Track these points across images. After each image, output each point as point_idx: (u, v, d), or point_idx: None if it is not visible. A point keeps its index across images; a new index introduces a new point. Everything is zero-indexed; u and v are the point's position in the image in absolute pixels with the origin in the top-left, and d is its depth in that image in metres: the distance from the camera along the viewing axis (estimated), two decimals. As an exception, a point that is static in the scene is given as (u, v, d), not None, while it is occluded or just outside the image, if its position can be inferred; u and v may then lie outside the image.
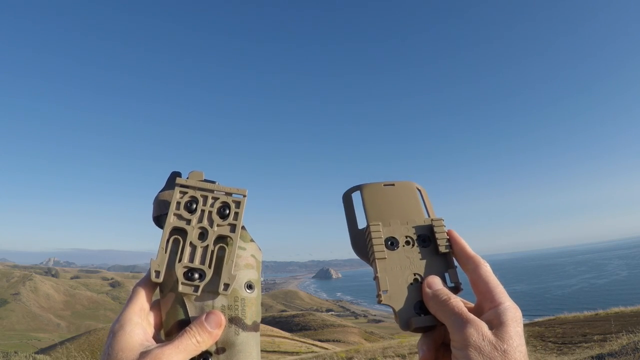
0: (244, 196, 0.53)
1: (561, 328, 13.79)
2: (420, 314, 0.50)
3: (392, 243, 0.53)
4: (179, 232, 0.52)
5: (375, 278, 0.51)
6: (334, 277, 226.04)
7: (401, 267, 0.51)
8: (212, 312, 0.49)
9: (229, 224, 0.52)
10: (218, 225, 0.52)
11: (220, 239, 0.52)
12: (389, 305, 0.50)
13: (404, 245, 0.53)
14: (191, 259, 0.50)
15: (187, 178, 0.54)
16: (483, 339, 0.43)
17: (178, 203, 0.53)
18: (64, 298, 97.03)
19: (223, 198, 0.53)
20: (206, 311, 0.49)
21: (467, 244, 0.53)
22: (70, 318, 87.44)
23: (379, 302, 0.50)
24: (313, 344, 30.67)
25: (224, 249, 0.51)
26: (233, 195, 0.53)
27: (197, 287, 0.49)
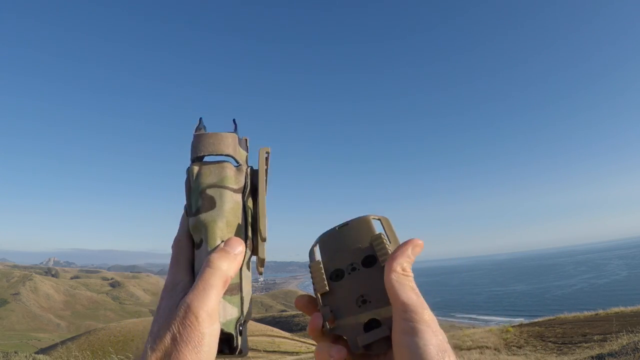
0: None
1: (561, 328, 13.80)
2: (369, 330, 0.49)
3: (337, 275, 0.53)
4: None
5: (318, 311, 0.51)
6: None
7: (349, 293, 0.52)
8: (231, 237, 0.48)
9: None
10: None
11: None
12: (340, 335, 0.50)
13: (349, 273, 0.53)
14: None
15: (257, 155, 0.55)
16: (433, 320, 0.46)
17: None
18: (64, 298, 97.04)
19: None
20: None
21: (403, 254, 0.49)
22: (70, 318, 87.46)
23: (329, 332, 0.50)
24: (313, 344, 30.49)
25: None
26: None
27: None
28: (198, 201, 0.49)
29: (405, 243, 0.50)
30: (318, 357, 0.49)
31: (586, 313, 15.96)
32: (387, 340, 0.48)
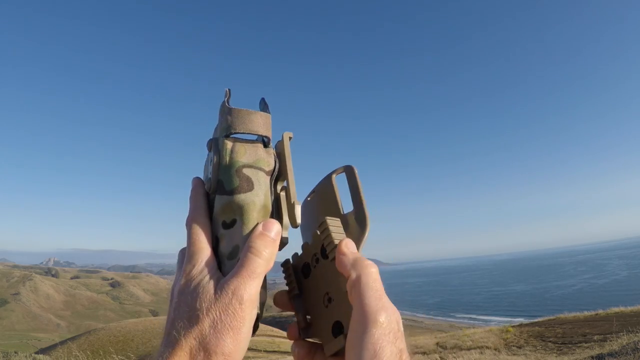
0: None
1: (561, 328, 13.79)
2: (336, 335, 0.46)
3: (308, 270, 0.50)
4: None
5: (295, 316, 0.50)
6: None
7: (317, 292, 0.48)
8: (268, 220, 0.47)
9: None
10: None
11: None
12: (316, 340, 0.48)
13: (314, 267, 0.49)
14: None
15: (281, 141, 0.51)
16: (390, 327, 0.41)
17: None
18: (64, 298, 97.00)
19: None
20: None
21: (351, 251, 0.46)
22: (70, 318, 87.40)
23: (304, 339, 0.49)
24: (313, 344, 30.52)
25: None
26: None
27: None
28: (234, 180, 0.46)
29: (344, 243, 0.46)
30: (294, 354, 0.49)
31: (586, 313, 15.96)
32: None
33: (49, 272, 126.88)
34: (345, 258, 0.45)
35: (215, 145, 0.48)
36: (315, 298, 0.48)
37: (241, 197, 0.46)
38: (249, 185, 0.47)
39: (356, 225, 0.49)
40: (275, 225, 0.46)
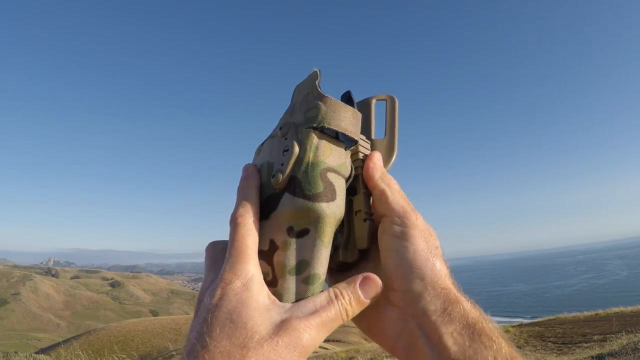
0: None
1: (561, 328, 13.79)
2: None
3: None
4: None
5: None
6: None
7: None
8: (369, 276, 0.40)
9: None
10: None
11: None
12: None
13: (351, 199, 0.45)
14: None
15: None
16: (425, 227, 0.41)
17: None
18: (64, 298, 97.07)
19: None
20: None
21: (380, 164, 0.45)
22: (70, 318, 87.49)
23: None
24: (313, 344, 30.51)
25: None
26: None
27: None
28: (318, 184, 0.39)
29: (376, 155, 0.45)
30: None
31: (586, 313, 15.94)
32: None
33: (49, 272, 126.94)
34: (375, 169, 0.44)
35: (295, 134, 0.40)
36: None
37: (322, 207, 0.39)
38: (332, 194, 0.40)
39: (384, 152, 0.47)
40: (374, 288, 0.39)
